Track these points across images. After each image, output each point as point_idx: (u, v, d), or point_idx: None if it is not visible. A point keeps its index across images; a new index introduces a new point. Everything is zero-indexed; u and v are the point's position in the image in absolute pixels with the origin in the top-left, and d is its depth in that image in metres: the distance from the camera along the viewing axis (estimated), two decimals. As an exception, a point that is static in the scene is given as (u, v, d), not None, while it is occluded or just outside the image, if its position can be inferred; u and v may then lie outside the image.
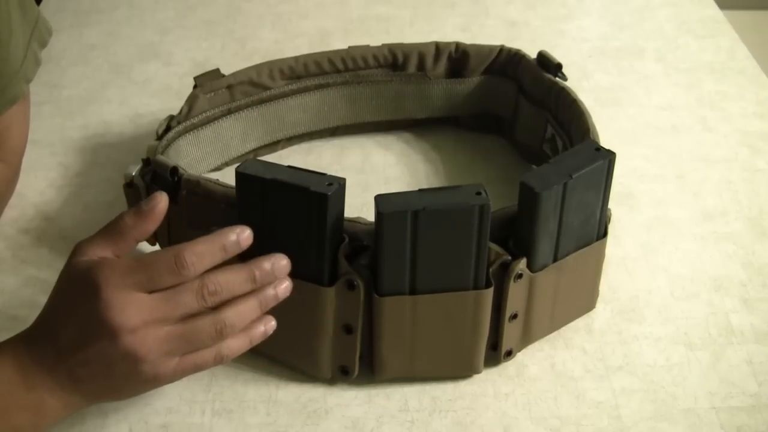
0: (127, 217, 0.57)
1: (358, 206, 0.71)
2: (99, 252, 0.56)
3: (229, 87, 0.80)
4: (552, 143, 0.79)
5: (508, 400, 0.64)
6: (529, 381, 0.66)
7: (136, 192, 0.71)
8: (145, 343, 0.53)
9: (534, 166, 0.77)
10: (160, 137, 0.74)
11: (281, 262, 0.58)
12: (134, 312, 0.53)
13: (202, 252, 0.55)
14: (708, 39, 1.06)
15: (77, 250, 0.56)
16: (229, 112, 0.81)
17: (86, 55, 1.03)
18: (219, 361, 0.57)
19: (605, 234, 0.66)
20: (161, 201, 0.57)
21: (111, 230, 0.57)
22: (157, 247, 0.73)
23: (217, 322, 0.55)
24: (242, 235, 0.57)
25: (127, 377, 0.54)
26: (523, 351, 0.67)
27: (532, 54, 0.82)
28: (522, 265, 0.61)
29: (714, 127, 0.91)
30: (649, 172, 0.85)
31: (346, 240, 0.60)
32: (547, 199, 0.59)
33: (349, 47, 0.84)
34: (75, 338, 0.53)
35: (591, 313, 0.71)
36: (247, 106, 0.82)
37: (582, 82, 0.98)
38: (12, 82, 0.74)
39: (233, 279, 0.56)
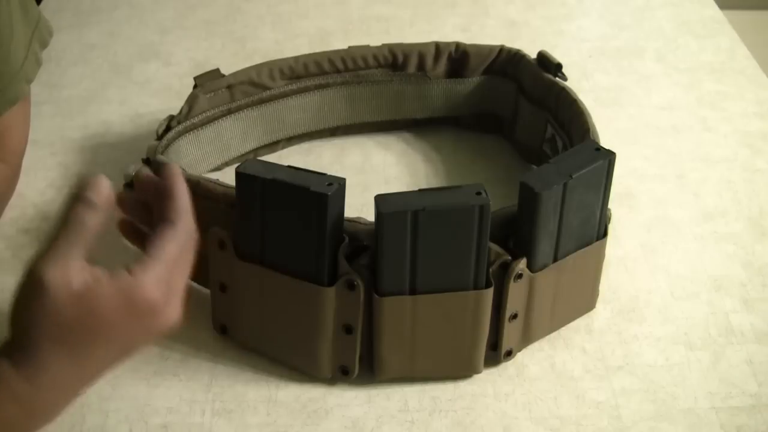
0: (87, 217, 0.50)
1: (358, 206, 0.71)
2: (76, 263, 0.50)
3: (229, 87, 0.80)
4: (552, 143, 0.79)
5: (508, 400, 0.64)
6: (529, 381, 0.66)
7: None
8: (178, 306, 0.54)
9: (534, 166, 0.77)
10: (160, 137, 0.75)
11: None
12: (176, 298, 0.54)
13: (189, 211, 0.55)
14: (708, 39, 1.06)
15: (57, 271, 0.49)
16: (229, 112, 0.81)
17: (86, 55, 1.03)
18: None
19: (605, 234, 0.66)
20: (104, 185, 0.51)
21: (74, 236, 0.50)
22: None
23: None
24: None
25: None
26: (523, 351, 0.67)
27: (532, 54, 0.82)
28: (522, 265, 0.61)
29: (714, 127, 0.91)
30: (649, 172, 0.85)
31: (346, 240, 0.60)
32: (547, 199, 0.60)
33: (349, 47, 0.84)
34: (114, 355, 0.53)
35: (591, 313, 0.71)
36: (247, 106, 0.82)
37: (582, 82, 0.98)
38: (12, 83, 0.74)
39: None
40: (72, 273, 0.49)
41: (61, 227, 0.50)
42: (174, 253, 0.53)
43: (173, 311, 0.53)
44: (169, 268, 0.53)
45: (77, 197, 0.51)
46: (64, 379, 0.52)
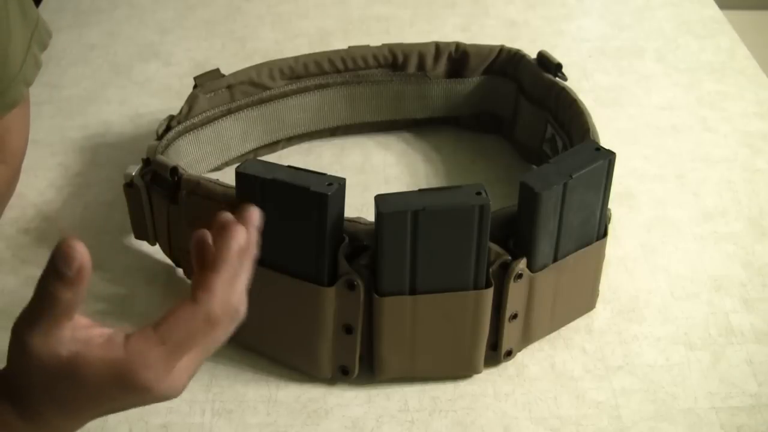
0: (59, 291, 0.46)
1: (358, 206, 0.71)
2: (60, 333, 0.48)
3: (229, 87, 0.80)
4: (552, 143, 0.79)
5: (508, 400, 0.64)
6: (529, 381, 0.66)
7: (136, 192, 0.71)
8: (181, 382, 0.49)
9: (534, 166, 0.77)
10: (160, 137, 0.74)
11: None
12: (178, 377, 0.49)
13: (222, 290, 0.48)
14: (708, 39, 1.06)
15: (40, 340, 0.47)
16: (229, 112, 0.81)
17: (86, 55, 1.03)
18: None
19: (605, 234, 0.66)
20: (82, 257, 0.45)
21: (51, 311, 0.47)
22: (157, 247, 0.73)
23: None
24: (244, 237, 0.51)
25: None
26: (523, 351, 0.67)
27: (532, 54, 0.82)
28: (522, 265, 0.61)
29: (714, 127, 0.91)
30: (649, 172, 0.85)
31: (346, 240, 0.60)
32: (547, 199, 0.59)
33: (349, 47, 0.84)
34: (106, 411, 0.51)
35: (591, 313, 0.71)
36: (247, 106, 0.82)
37: (582, 82, 0.98)
38: (11, 86, 0.74)
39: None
40: (57, 344, 0.47)
41: (37, 298, 0.46)
42: (183, 336, 0.47)
43: (171, 389, 0.49)
44: (171, 350, 0.47)
45: (51, 268, 0.45)
46: (58, 424, 0.51)
